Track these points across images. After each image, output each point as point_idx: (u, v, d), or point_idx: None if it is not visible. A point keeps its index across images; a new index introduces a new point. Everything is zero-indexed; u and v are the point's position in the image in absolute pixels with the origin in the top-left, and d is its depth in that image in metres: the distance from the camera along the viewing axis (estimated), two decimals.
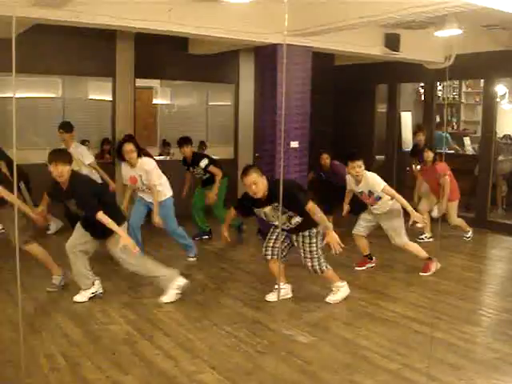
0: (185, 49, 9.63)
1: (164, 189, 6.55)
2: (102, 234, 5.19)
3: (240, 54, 10.35)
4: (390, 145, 10.72)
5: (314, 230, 5.22)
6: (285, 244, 5.39)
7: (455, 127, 12.13)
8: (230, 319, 4.96)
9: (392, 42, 8.52)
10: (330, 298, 5.47)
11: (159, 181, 6.45)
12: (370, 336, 4.62)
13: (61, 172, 4.93)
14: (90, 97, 10.14)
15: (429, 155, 7.84)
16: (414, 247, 6.48)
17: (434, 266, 6.47)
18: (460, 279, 6.38)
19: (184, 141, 7.63)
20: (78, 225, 5.35)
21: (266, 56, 7.86)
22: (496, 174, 9.56)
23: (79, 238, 5.33)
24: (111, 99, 9.29)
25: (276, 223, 5.21)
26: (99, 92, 10.00)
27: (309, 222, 5.11)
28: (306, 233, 5.22)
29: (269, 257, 5.38)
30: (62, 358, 4.12)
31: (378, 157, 10.88)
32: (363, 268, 6.67)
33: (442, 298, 5.66)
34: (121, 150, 6.33)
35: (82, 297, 5.33)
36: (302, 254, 5.30)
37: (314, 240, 5.25)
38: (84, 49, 8.65)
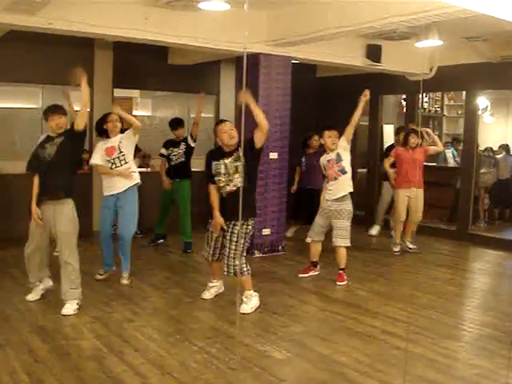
0: (164, 59, 9.51)
1: (137, 172, 6.26)
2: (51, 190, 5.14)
3: (221, 65, 10.25)
4: (372, 158, 10.63)
5: (250, 223, 5.34)
6: (218, 244, 5.47)
7: None
8: (203, 334, 4.80)
9: (374, 53, 8.47)
10: (245, 308, 5.31)
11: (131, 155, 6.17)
12: (347, 352, 4.47)
13: (60, 123, 5.20)
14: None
15: (415, 140, 7.89)
16: (344, 254, 6.43)
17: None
18: (441, 293, 6.26)
19: (180, 122, 7.84)
20: None
21: (247, 66, 7.73)
22: (478, 186, 9.51)
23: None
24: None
25: (229, 184, 5.28)
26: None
27: (244, 204, 4.99)
28: (237, 225, 5.22)
29: (210, 258, 5.55)
30: (25, 375, 3.92)
31: (359, 170, 10.79)
32: (306, 275, 6.65)
33: (423, 312, 5.53)
34: (104, 121, 6.10)
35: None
36: (224, 250, 5.34)
37: (239, 237, 5.27)
38: (61, 57, 8.45)
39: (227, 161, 5.28)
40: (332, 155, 6.33)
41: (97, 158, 6.11)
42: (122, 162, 6.05)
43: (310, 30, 6.70)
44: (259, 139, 5.22)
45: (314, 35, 6.70)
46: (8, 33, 6.77)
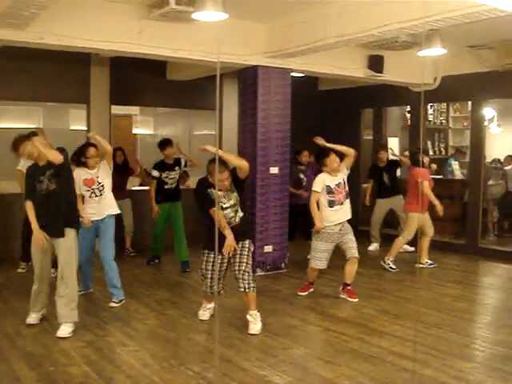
0: (163, 75, 9.35)
1: (115, 203, 6.12)
2: (52, 224, 5.02)
3: (223, 79, 10.03)
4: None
5: (250, 242, 5.31)
6: (222, 274, 5.31)
7: (443, 152, 11.83)
8: (200, 358, 4.55)
9: (375, 63, 8.28)
10: (255, 328, 5.12)
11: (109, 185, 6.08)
12: (351, 375, 4.21)
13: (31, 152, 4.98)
14: (72, 127, 9.78)
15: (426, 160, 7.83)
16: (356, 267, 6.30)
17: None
18: (451, 310, 5.98)
19: (168, 142, 7.62)
20: None
21: (245, 78, 7.59)
22: (486, 198, 9.25)
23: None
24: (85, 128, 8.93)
25: (226, 205, 5.17)
26: (80, 122, 9.59)
27: (247, 226, 5.39)
28: (246, 243, 5.23)
29: (215, 292, 5.39)
30: None
31: (364, 185, 10.50)
32: (306, 293, 6.46)
33: (432, 330, 5.26)
34: (82, 155, 5.95)
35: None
36: (239, 267, 5.17)
37: (250, 254, 5.27)
38: (57, 74, 8.34)
39: (220, 193, 5.12)
40: (339, 179, 6.12)
41: (77, 188, 5.84)
42: (102, 192, 6.02)
43: (309, 40, 6.53)
44: (242, 175, 5.16)
45: (313, 45, 6.52)
46: (2, 50, 6.61)
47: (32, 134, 5.11)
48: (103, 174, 6.01)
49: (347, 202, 6.17)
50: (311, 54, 7.14)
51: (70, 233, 5.11)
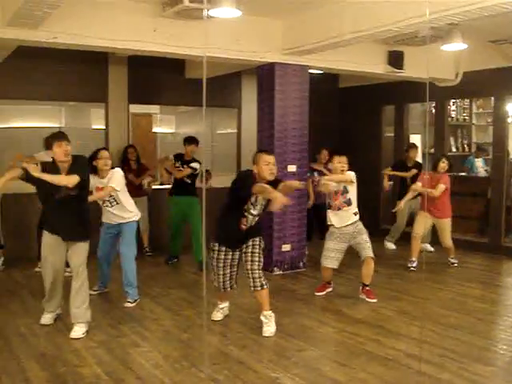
0: (182, 73, 9.31)
1: (134, 209, 6.12)
2: (68, 230, 4.99)
3: (242, 77, 9.97)
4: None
5: (261, 239, 5.22)
6: (234, 269, 5.29)
7: (466, 149, 11.60)
8: (212, 359, 4.47)
9: (395, 59, 8.14)
10: (269, 330, 5.03)
11: (124, 193, 6.02)
12: (366, 378, 4.11)
13: (68, 150, 4.84)
14: (93, 126, 9.77)
15: (445, 165, 7.53)
16: (373, 266, 6.16)
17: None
18: (471, 311, 5.84)
19: (192, 140, 7.71)
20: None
21: (262, 76, 7.51)
22: (510, 196, 9.04)
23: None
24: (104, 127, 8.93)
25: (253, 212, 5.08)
26: (101, 121, 9.59)
27: (260, 225, 5.26)
28: (257, 240, 5.14)
29: (222, 288, 5.34)
30: None
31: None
32: (323, 293, 6.37)
33: (451, 332, 5.13)
34: (95, 157, 5.85)
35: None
36: (251, 265, 5.05)
37: (261, 251, 5.17)
38: (76, 74, 8.35)
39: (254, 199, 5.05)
40: (339, 186, 6.02)
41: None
42: (114, 204, 5.97)
43: (325, 36, 6.41)
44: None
45: (329, 42, 6.40)
46: (21, 50, 6.62)
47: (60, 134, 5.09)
48: (115, 183, 5.85)
49: (346, 210, 6.05)
50: (329, 51, 7.03)
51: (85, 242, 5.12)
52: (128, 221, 6.02)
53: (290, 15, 6.85)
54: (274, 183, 4.92)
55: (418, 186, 7.54)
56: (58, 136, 4.95)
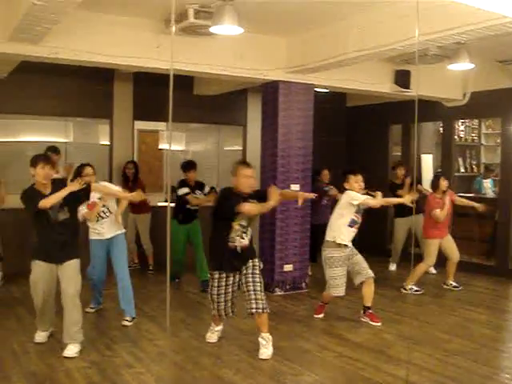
0: (190, 90, 9.27)
1: (120, 220, 6.00)
2: (62, 252, 4.93)
3: (248, 94, 9.93)
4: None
5: (259, 260, 5.14)
6: (234, 294, 5.14)
7: (475, 170, 11.45)
8: (204, 382, 4.37)
9: (402, 78, 8.07)
10: (267, 353, 4.90)
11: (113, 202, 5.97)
12: None
13: (48, 175, 4.84)
14: (101, 142, 9.76)
15: (446, 183, 7.46)
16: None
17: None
18: (475, 337, 5.69)
19: (191, 165, 7.48)
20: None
21: (267, 94, 7.45)
22: None
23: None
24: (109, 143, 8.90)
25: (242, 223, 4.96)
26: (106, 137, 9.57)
27: (253, 245, 5.14)
28: (256, 261, 5.04)
29: (224, 314, 5.18)
30: None
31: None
32: (321, 315, 6.23)
33: (453, 359, 4.99)
34: (80, 174, 5.78)
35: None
36: (253, 287, 4.92)
37: (260, 273, 5.04)
38: (82, 89, 8.35)
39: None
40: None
41: (79, 214, 5.70)
42: (107, 214, 5.90)
43: (329, 55, 6.36)
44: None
45: (333, 60, 6.35)
46: (26, 65, 6.59)
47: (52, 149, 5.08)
48: (115, 188, 5.91)
49: (356, 228, 5.98)
50: (334, 70, 6.98)
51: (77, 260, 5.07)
52: (119, 233, 5.95)
53: (294, 33, 6.81)
54: (255, 195, 4.94)
55: (439, 213, 7.29)
56: (45, 159, 4.93)
